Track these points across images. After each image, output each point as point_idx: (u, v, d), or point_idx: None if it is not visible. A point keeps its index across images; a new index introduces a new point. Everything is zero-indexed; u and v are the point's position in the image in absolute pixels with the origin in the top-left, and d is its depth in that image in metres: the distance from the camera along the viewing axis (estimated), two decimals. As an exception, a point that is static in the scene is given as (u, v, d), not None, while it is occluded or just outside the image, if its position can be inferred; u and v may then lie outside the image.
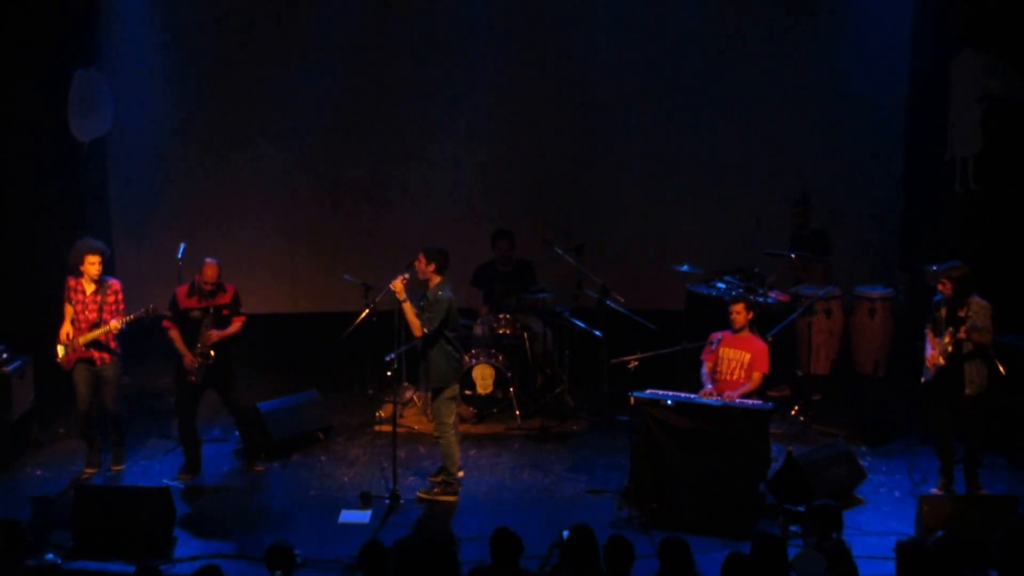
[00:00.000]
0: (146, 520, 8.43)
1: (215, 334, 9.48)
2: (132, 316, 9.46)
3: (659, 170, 12.87)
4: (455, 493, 9.31)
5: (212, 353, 9.46)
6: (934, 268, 10.59)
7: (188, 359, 9.46)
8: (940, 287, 8.96)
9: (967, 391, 8.93)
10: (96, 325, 9.48)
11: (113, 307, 9.56)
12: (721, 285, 11.04)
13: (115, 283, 9.68)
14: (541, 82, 12.85)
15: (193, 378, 9.49)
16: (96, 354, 9.59)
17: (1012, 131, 11.09)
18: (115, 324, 9.44)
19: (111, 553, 8.13)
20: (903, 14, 12.12)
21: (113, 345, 9.64)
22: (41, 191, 11.15)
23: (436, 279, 9.23)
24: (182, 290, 9.57)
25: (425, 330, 9.13)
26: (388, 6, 12.71)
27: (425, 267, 9.22)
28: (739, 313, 9.60)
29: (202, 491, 9.51)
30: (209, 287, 9.48)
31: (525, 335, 11.11)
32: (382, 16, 12.76)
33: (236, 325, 9.63)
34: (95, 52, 11.98)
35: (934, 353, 9.03)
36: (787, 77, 12.61)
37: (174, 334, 9.52)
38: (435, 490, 9.32)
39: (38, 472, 9.90)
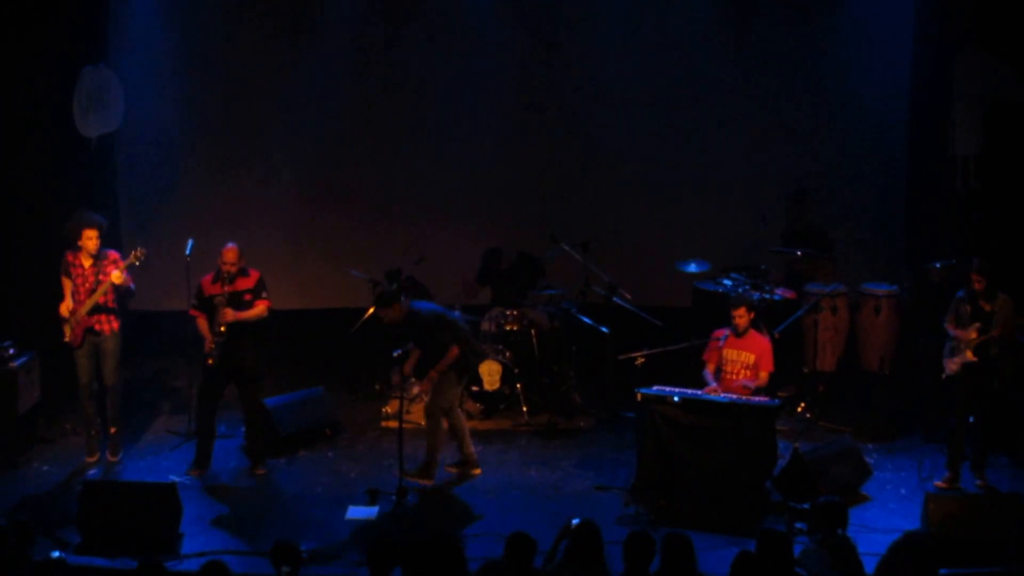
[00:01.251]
0: (152, 516, 8.43)
1: (230, 313, 9.41)
2: (124, 264, 9.45)
3: (664, 168, 12.86)
4: (432, 477, 9.39)
5: (223, 329, 9.39)
6: (937, 265, 10.66)
7: (208, 341, 9.47)
8: (976, 285, 9.02)
9: (997, 384, 9.05)
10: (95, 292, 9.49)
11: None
12: (728, 282, 11.06)
13: (113, 253, 9.66)
14: (546, 82, 12.84)
15: (210, 360, 9.46)
16: (97, 325, 9.57)
17: (1013, 130, 11.14)
18: (116, 275, 9.39)
19: (117, 549, 8.12)
20: (905, 13, 12.12)
21: (113, 305, 9.58)
22: (49, 187, 11.14)
23: (406, 308, 9.36)
24: (207, 279, 9.57)
25: (460, 347, 9.30)
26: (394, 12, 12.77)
27: (395, 312, 9.32)
28: (742, 317, 9.59)
29: (209, 487, 9.50)
30: (230, 269, 9.43)
31: (532, 331, 11.12)
32: (389, 18, 12.78)
33: (258, 308, 9.53)
34: (104, 49, 11.97)
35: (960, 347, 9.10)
36: (790, 76, 12.60)
37: (201, 322, 9.54)
38: (412, 472, 9.34)
39: (44, 468, 9.90)
